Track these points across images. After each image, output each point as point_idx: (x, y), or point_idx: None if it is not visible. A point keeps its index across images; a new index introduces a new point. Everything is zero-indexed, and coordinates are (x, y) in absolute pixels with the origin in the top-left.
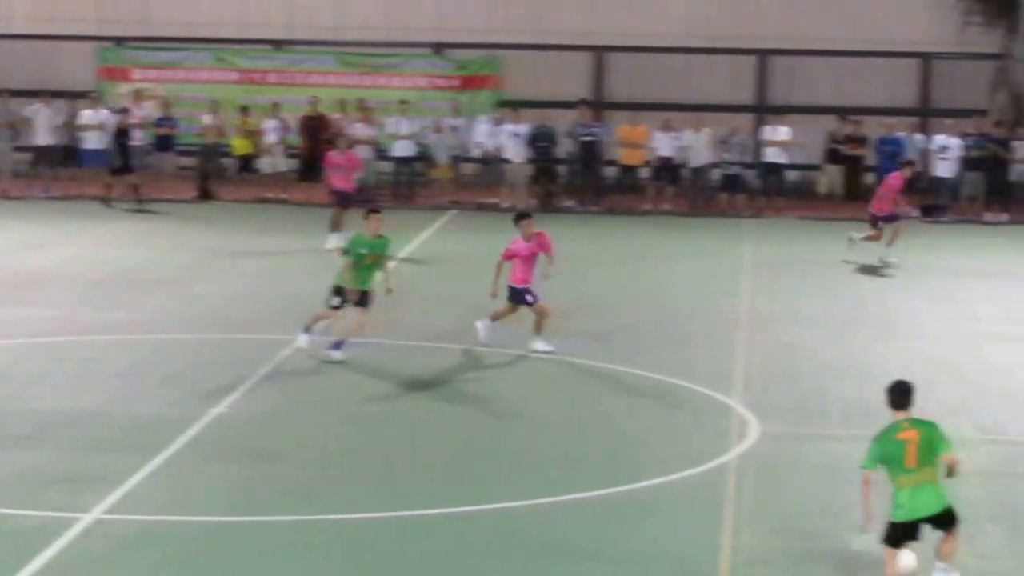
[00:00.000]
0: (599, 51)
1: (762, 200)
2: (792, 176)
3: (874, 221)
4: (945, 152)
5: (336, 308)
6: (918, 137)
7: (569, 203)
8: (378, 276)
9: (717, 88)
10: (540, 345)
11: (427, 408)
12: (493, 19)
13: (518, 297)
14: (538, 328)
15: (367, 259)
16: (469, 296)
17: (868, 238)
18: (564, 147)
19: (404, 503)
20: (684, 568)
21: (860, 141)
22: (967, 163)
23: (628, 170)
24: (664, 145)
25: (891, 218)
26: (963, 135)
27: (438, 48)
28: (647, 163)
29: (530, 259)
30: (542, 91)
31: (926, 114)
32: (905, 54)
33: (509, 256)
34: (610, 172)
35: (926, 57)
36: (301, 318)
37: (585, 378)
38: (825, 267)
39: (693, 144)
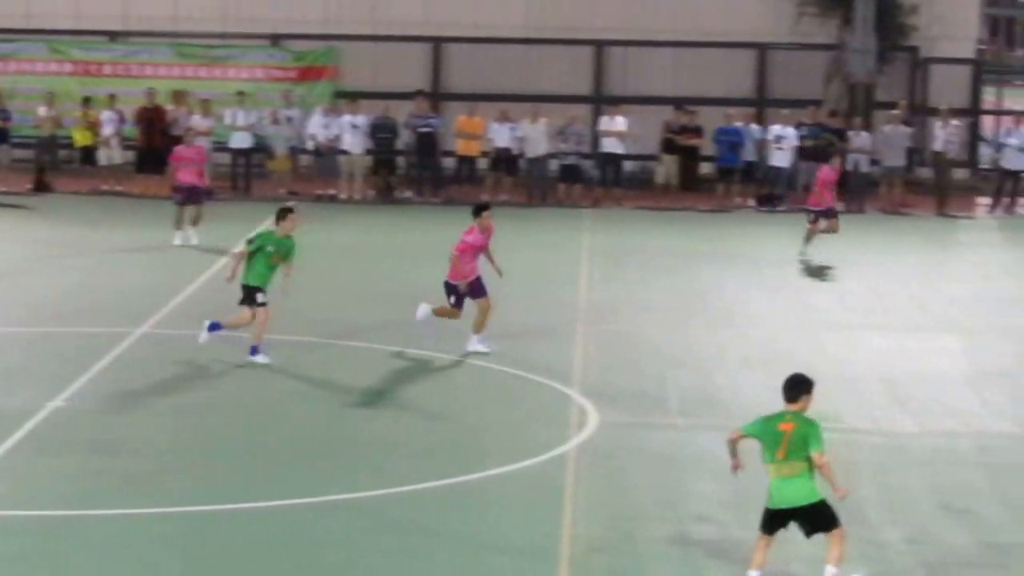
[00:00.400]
0: (436, 42)
1: (600, 190)
2: (629, 166)
3: (814, 217)
4: (781, 142)
5: (263, 304)
6: (754, 127)
7: (407, 194)
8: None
9: (554, 79)
10: (479, 347)
11: (272, 400)
12: (330, 10)
13: (460, 294)
14: (477, 327)
15: (273, 259)
16: (306, 287)
17: (810, 232)
18: (404, 138)
19: (245, 494)
20: (525, 556)
21: (696, 131)
22: (803, 153)
23: (466, 161)
24: (501, 136)
25: (829, 212)
26: (799, 125)
27: (275, 39)
28: (484, 154)
29: (479, 252)
30: (380, 82)
31: (762, 104)
32: (741, 45)
33: (466, 248)
34: (448, 163)
35: (762, 48)
36: (139, 311)
37: (427, 370)
38: (663, 257)
39: (530, 135)
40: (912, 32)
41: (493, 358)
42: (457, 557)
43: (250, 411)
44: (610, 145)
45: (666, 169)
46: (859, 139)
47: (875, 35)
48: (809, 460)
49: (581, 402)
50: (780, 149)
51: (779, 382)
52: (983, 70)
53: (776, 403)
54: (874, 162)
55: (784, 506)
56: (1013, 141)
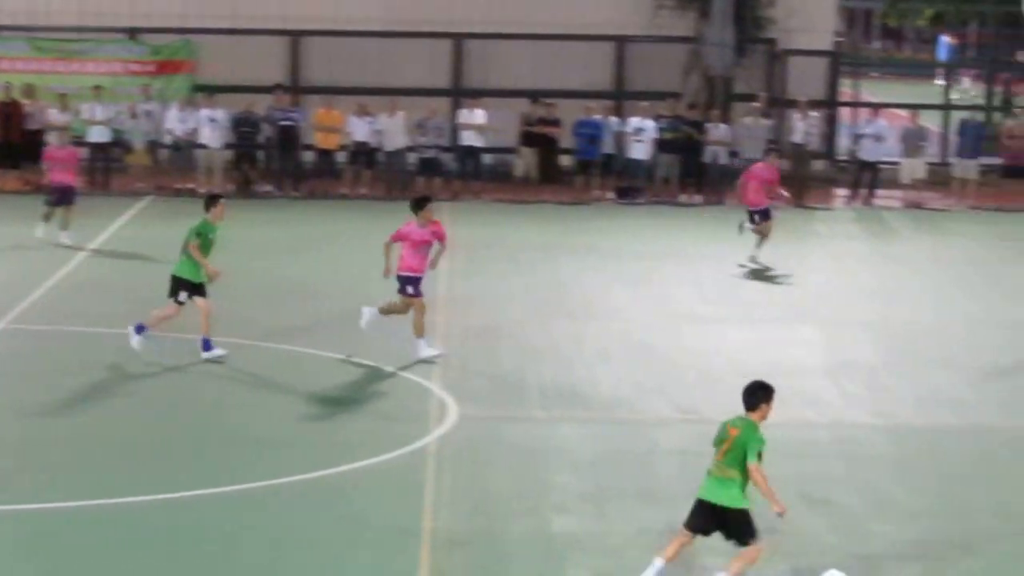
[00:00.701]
0: (294, 36)
1: (459, 183)
2: (488, 159)
3: (751, 216)
4: (640, 134)
5: (182, 303)
6: (613, 120)
7: (267, 188)
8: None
9: (413, 72)
10: (425, 352)
11: (130, 395)
12: (188, 4)
13: (401, 286)
14: (419, 331)
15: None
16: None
17: (757, 230)
18: (264, 132)
19: (100, 491)
20: (384, 551)
21: (554, 123)
22: (661, 145)
23: (325, 154)
24: (360, 129)
25: (765, 213)
26: (657, 117)
27: (132, 33)
28: (343, 147)
29: (421, 247)
30: (239, 76)
31: (621, 97)
32: (600, 37)
33: (397, 238)
34: (308, 157)
35: (620, 41)
36: None
37: (286, 365)
38: (523, 250)
39: (388, 128)
40: (770, 24)
41: (353, 352)
42: (316, 552)
43: (108, 407)
44: (469, 138)
45: (525, 162)
46: (717, 131)
47: (733, 28)
48: (743, 469)
49: (441, 396)
50: (639, 142)
51: (640, 375)
52: (840, 62)
53: (634, 396)
54: (733, 154)
55: (708, 498)
56: (869, 131)
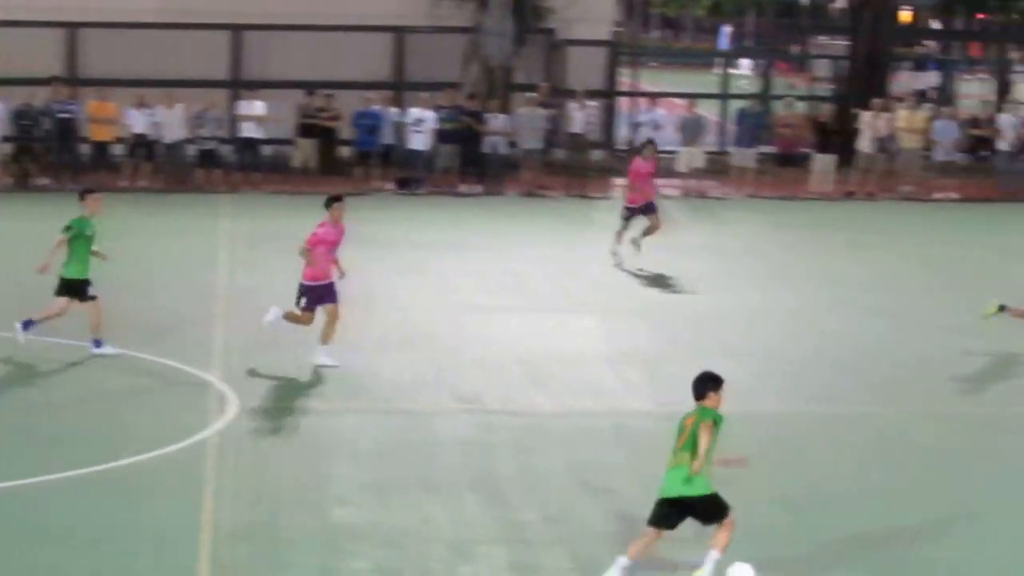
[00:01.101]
0: (71, 27)
1: (239, 175)
2: (268, 151)
3: (628, 214)
4: (420, 125)
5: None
6: (393, 110)
7: (45, 182)
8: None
9: (191, 64)
10: (327, 360)
11: None
12: None
13: (315, 297)
14: (325, 338)
15: (91, 245)
16: None
17: (646, 231)
18: (43, 125)
19: None
20: (164, 544)
21: (333, 115)
22: (441, 136)
23: (101, 147)
24: (138, 122)
25: (648, 208)
26: (437, 108)
27: None
28: (120, 140)
29: (333, 249)
30: (15, 68)
31: (401, 88)
32: (379, 28)
33: (317, 242)
34: (85, 149)
35: (399, 32)
36: None
37: (65, 359)
38: (302, 242)
39: (166, 120)
40: (548, 15)
41: (132, 346)
42: (96, 546)
43: None
44: (248, 130)
45: (304, 153)
46: (497, 121)
47: (512, 18)
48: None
49: (222, 388)
50: (419, 132)
51: (420, 365)
52: (619, 52)
53: (414, 386)
54: (512, 144)
55: (673, 495)
56: (647, 120)
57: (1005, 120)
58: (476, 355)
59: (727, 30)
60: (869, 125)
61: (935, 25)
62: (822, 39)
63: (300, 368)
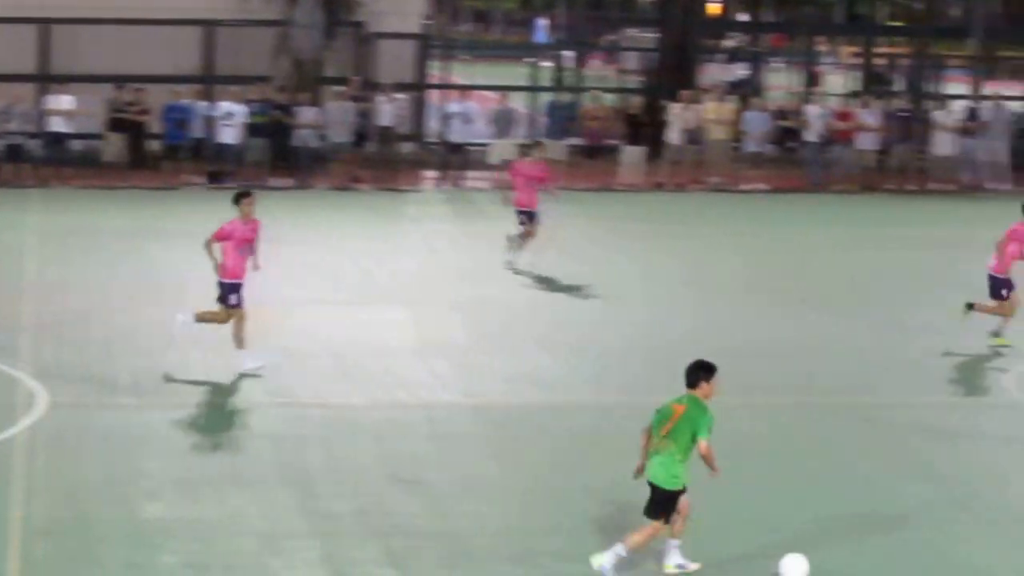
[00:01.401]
0: None
1: (47, 170)
2: (77, 145)
3: (524, 219)
4: (230, 119)
5: None
6: (202, 104)
7: None
8: None
9: None
10: (249, 363)
11: None
12: None
13: (223, 294)
14: (239, 341)
15: None
16: None
17: (524, 236)
18: None
19: None
20: None
21: (142, 109)
22: (251, 129)
23: None
24: None
25: (531, 215)
26: (247, 102)
27: None
28: None
29: (244, 247)
30: None
31: (210, 81)
32: (188, 22)
33: (221, 237)
34: None
35: (209, 24)
36: None
37: None
38: (112, 236)
39: None
40: (358, 8)
41: None
42: None
43: None
44: (56, 124)
45: (113, 147)
46: (307, 115)
47: (321, 11)
48: (685, 446)
49: (30, 384)
50: (228, 126)
51: (229, 359)
52: (429, 45)
53: (230, 381)
54: (323, 138)
55: (649, 478)
56: (457, 112)
57: (812, 111)
58: (286, 348)
59: (543, 23)
60: (678, 117)
61: (743, 18)
62: (632, 32)
63: (111, 363)
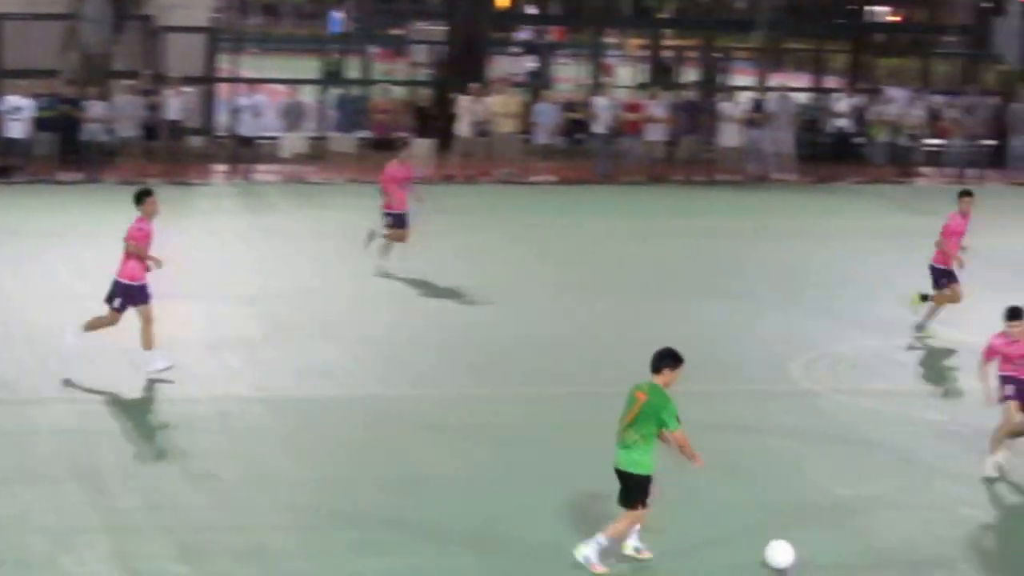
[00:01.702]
0: None
1: None
2: None
3: (391, 221)
4: (17, 113)
5: None
6: None
7: None
8: None
9: None
10: (159, 363)
11: None
12: None
13: (130, 297)
14: (148, 342)
15: None
16: None
17: (390, 236)
18: None
19: None
20: None
21: None
22: (39, 124)
23: None
24: None
25: (402, 217)
26: (35, 96)
27: None
28: None
29: (147, 247)
30: None
31: None
32: None
33: (134, 238)
34: None
35: None
36: None
37: None
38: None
39: None
40: (147, 1)
41: None
42: None
43: None
44: None
45: None
46: (95, 109)
47: (109, 5)
48: (650, 434)
49: None
50: (16, 120)
51: (18, 353)
52: (218, 38)
53: (16, 376)
54: (111, 131)
55: (618, 467)
56: (247, 105)
57: (600, 103)
58: (77, 343)
59: (338, 15)
60: (467, 110)
61: (532, 10)
62: (422, 24)
63: None
